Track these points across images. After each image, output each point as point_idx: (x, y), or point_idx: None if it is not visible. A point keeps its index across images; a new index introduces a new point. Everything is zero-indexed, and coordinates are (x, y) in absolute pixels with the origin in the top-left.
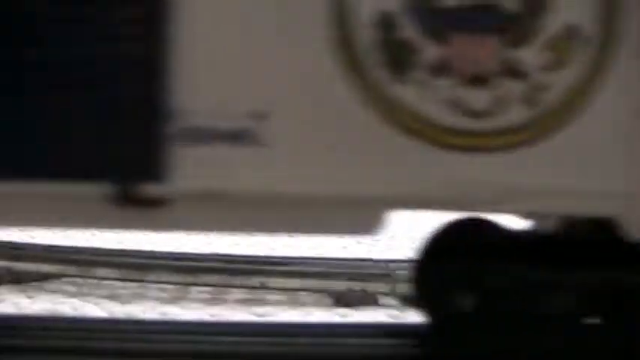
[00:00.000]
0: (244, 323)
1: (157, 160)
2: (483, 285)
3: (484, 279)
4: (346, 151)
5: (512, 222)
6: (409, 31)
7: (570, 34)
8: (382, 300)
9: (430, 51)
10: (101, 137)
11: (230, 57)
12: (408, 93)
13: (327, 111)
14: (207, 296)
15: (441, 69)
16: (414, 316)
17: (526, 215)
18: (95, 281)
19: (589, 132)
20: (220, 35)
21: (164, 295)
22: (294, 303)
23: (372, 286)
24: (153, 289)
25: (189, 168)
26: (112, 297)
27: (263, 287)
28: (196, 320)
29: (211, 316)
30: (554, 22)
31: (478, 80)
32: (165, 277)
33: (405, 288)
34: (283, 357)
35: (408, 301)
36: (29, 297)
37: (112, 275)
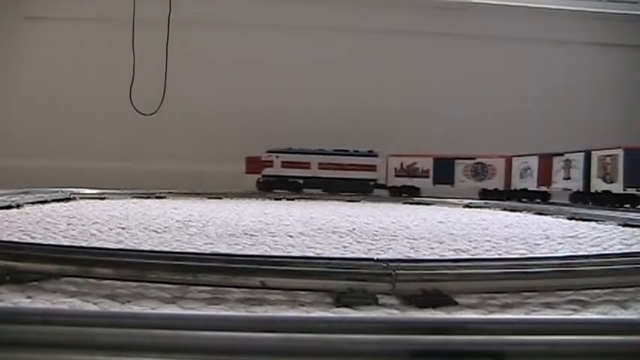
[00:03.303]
0: (245, 319)
1: None
2: None
3: None
4: None
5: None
6: None
7: None
8: (382, 300)
9: None
10: None
11: None
12: None
13: None
14: (207, 296)
15: None
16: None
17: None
18: (95, 281)
19: None
20: None
21: (164, 295)
22: (294, 303)
23: (372, 286)
24: (153, 289)
25: None
26: (112, 297)
27: (263, 287)
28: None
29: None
30: None
31: None
32: (165, 277)
33: (405, 287)
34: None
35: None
36: (29, 297)
37: (112, 275)
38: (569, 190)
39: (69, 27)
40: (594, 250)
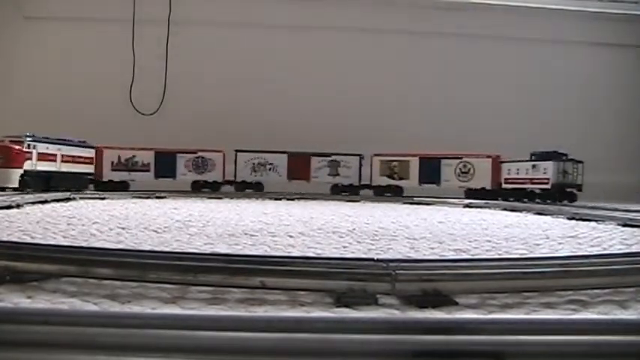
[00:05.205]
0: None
1: None
2: None
3: None
4: None
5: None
6: None
7: None
8: (382, 300)
9: None
10: None
11: None
12: None
13: None
14: (207, 296)
15: None
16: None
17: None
18: (95, 281)
19: None
20: None
21: (164, 295)
22: (294, 303)
23: (372, 286)
24: (153, 289)
25: None
26: (112, 297)
27: (263, 287)
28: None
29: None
30: None
31: None
32: (165, 277)
33: (404, 287)
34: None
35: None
36: (29, 297)
37: (112, 275)
38: (332, 183)
39: (69, 27)
40: (594, 250)
